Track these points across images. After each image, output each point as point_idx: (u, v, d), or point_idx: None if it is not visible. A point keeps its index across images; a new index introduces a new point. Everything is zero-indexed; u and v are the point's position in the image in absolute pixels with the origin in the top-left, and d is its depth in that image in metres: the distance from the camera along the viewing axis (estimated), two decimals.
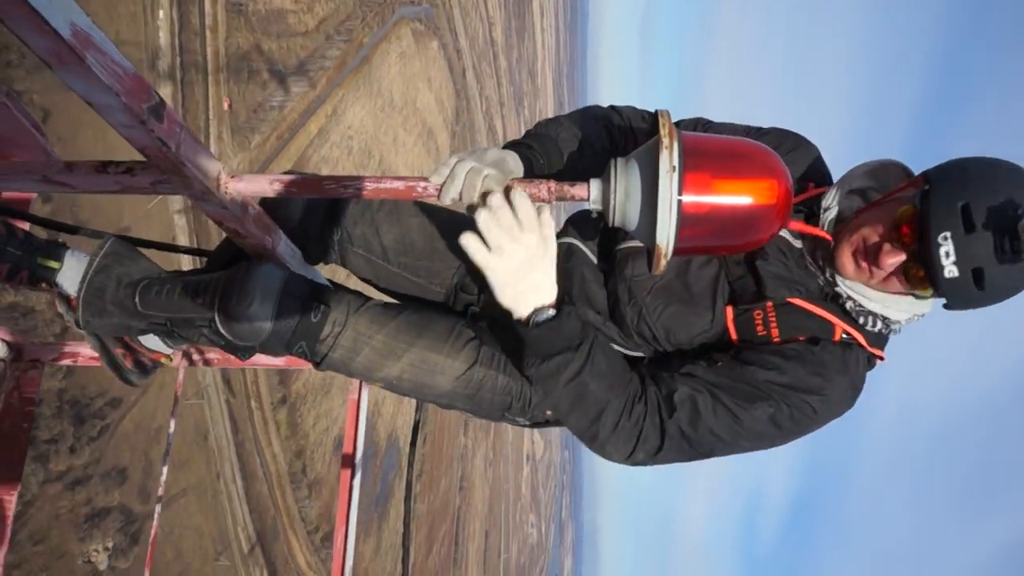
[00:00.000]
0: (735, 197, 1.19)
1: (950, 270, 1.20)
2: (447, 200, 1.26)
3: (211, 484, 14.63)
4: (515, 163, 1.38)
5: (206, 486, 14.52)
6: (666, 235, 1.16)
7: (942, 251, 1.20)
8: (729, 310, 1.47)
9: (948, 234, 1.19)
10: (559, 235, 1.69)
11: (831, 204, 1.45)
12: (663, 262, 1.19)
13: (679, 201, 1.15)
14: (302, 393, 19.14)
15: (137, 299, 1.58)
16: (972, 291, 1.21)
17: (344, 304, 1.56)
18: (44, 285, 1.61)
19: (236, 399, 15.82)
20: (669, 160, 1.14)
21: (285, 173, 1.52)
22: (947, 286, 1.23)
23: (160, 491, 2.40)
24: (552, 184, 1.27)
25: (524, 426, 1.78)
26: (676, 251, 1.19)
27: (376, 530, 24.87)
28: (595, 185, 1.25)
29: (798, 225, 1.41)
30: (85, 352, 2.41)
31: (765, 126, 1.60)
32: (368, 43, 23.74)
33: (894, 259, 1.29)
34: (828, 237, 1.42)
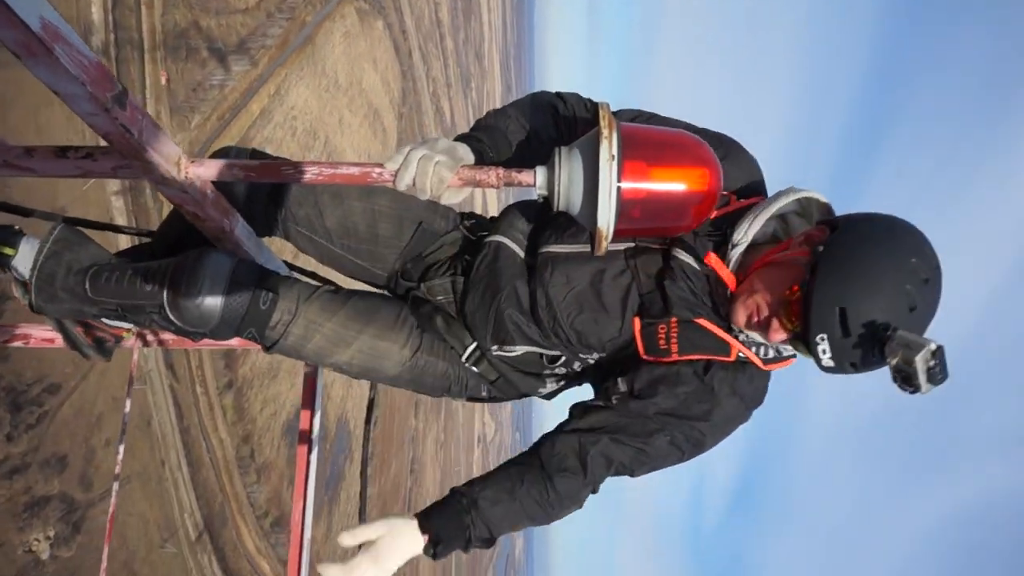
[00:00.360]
0: (670, 184, 1.29)
1: (826, 361, 1.32)
2: (402, 186, 1.33)
3: (155, 471, 14.40)
4: (465, 152, 1.44)
5: (150, 473, 14.28)
6: (606, 219, 1.26)
7: (819, 348, 1.31)
8: (636, 321, 1.57)
9: (825, 336, 1.30)
10: (489, 232, 1.78)
11: (741, 240, 1.52)
12: (604, 243, 1.29)
13: (618, 188, 1.25)
14: (248, 378, 18.89)
15: (87, 285, 1.60)
16: (848, 372, 1.33)
17: (294, 292, 1.63)
18: (0, 270, 1.63)
19: (180, 384, 15.55)
20: (608, 150, 1.24)
21: (243, 158, 1.65)
22: (825, 369, 1.35)
23: (117, 469, 2.42)
24: (500, 171, 1.35)
25: (464, 401, 1.93)
26: (616, 233, 1.28)
27: (327, 514, 24.79)
28: (540, 172, 1.34)
29: (713, 262, 1.53)
30: (37, 334, 2.40)
31: (710, 129, 1.67)
32: (311, 22, 23.31)
33: (780, 337, 1.44)
34: (731, 286, 1.52)
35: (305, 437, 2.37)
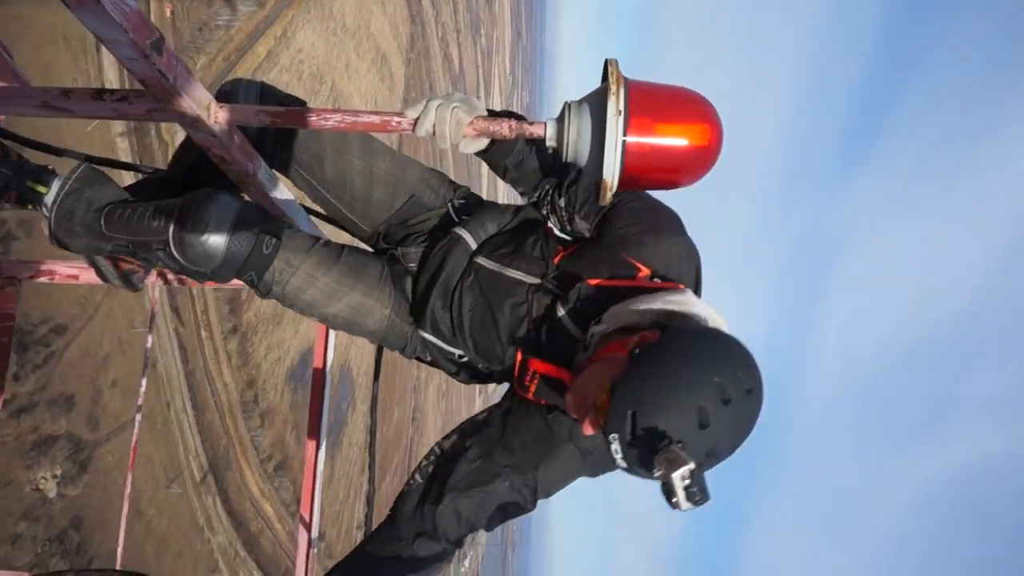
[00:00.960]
0: (673, 139, 1.35)
1: (619, 460, 1.31)
2: (422, 132, 1.40)
3: (161, 413, 14.55)
4: (480, 104, 1.49)
5: (156, 414, 14.43)
6: (612, 171, 1.33)
7: (612, 447, 1.30)
8: (519, 354, 1.64)
9: (616, 436, 1.29)
10: (455, 225, 1.85)
11: (601, 327, 1.52)
12: (608, 194, 1.36)
13: (624, 141, 1.31)
14: (253, 323, 18.96)
15: (103, 222, 1.65)
16: (645, 478, 1.30)
17: (295, 242, 1.71)
18: (31, 206, 1.70)
19: (185, 328, 15.61)
20: (616, 105, 1.30)
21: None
22: (623, 470, 1.36)
23: (140, 400, 2.59)
24: (513, 122, 1.42)
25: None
26: (620, 185, 1.35)
27: (329, 459, 25.15)
28: (551, 124, 1.41)
29: (545, 367, 1.61)
30: (62, 270, 2.56)
31: (662, 204, 1.68)
32: None
33: (589, 432, 1.43)
34: (567, 379, 1.56)
35: (319, 376, 2.57)
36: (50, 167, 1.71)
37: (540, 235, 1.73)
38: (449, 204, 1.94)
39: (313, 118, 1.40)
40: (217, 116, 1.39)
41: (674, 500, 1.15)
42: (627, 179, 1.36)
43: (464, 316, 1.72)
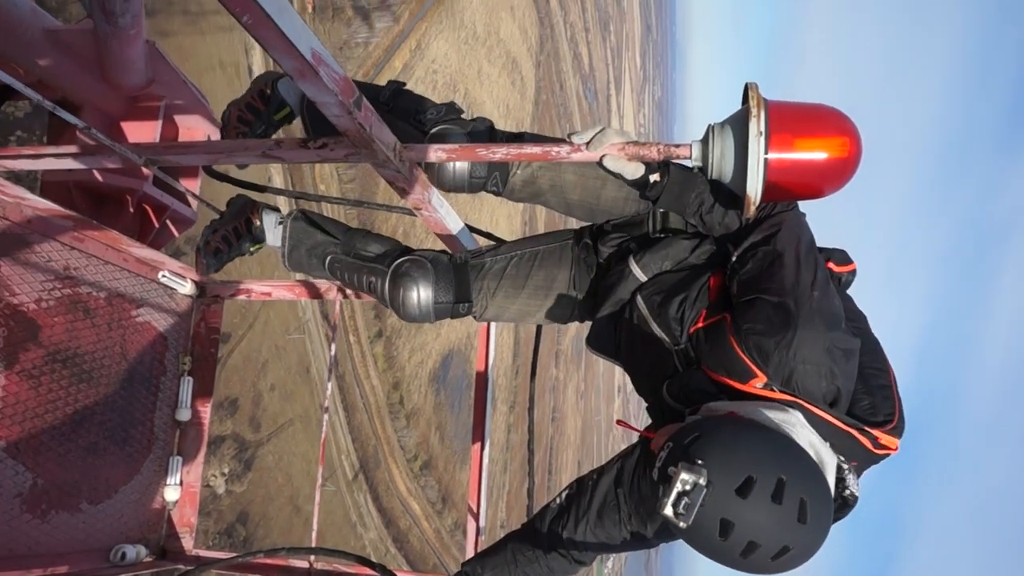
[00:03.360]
0: (813, 153, 1.44)
1: (658, 464, 1.31)
2: (580, 140, 1.56)
3: (315, 414, 15.33)
4: (631, 132, 1.56)
5: (310, 416, 15.23)
6: (755, 187, 1.44)
7: (660, 453, 1.32)
8: (664, 388, 1.64)
9: (671, 445, 1.30)
10: (635, 253, 1.85)
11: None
12: (752, 208, 1.46)
13: (766, 159, 1.42)
14: (397, 327, 19.65)
15: (327, 270, 2.13)
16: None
17: (481, 288, 1.98)
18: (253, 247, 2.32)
19: (334, 334, 16.38)
20: (757, 126, 1.41)
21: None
22: (654, 475, 1.38)
23: (326, 403, 3.11)
24: (661, 145, 1.53)
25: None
26: (763, 199, 1.45)
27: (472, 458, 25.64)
28: (696, 146, 1.53)
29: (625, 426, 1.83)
30: (257, 288, 2.97)
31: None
32: None
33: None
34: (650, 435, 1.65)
35: (481, 378, 2.84)
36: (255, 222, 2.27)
37: (694, 289, 1.62)
38: (649, 214, 1.92)
39: (482, 152, 1.62)
40: (402, 155, 1.60)
41: (664, 498, 1.17)
42: (770, 192, 1.46)
43: (623, 344, 1.81)
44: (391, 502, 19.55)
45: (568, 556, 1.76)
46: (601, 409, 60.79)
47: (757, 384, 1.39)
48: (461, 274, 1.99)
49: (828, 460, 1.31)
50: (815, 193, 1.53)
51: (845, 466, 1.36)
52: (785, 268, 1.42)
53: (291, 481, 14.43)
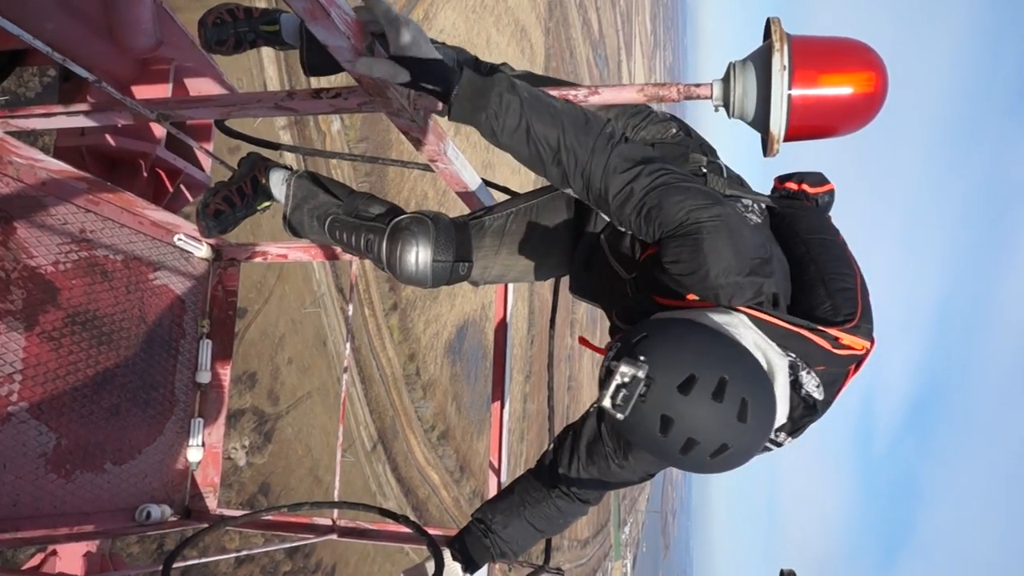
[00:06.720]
0: (838, 88, 1.40)
1: (605, 363, 1.32)
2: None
3: (333, 387, 15.48)
4: None
5: (328, 388, 15.37)
6: (779, 125, 1.40)
7: (610, 353, 1.33)
8: (614, 315, 1.72)
9: (619, 345, 1.31)
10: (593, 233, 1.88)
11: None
12: (776, 147, 1.44)
13: (789, 95, 1.39)
14: (411, 299, 19.72)
15: (327, 232, 2.05)
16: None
17: (483, 249, 1.95)
18: (261, 42, 2.19)
19: (350, 306, 16.46)
20: (780, 61, 1.38)
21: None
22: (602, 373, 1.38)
23: (346, 362, 3.19)
24: (680, 85, 1.51)
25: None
26: (786, 137, 1.43)
27: (488, 428, 25.84)
28: (717, 85, 1.50)
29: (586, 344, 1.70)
30: (273, 251, 2.95)
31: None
32: None
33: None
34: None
35: (500, 339, 2.86)
36: (272, 8, 2.19)
37: None
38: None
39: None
40: (416, 103, 1.55)
41: (604, 390, 1.18)
42: (794, 130, 1.42)
43: (596, 285, 1.86)
44: (409, 472, 19.77)
45: (570, 494, 1.82)
46: None
47: (695, 297, 1.41)
48: (462, 233, 1.94)
49: (777, 361, 1.30)
50: (838, 130, 1.51)
51: (801, 366, 1.35)
52: (687, 192, 1.39)
53: (311, 452, 14.60)
